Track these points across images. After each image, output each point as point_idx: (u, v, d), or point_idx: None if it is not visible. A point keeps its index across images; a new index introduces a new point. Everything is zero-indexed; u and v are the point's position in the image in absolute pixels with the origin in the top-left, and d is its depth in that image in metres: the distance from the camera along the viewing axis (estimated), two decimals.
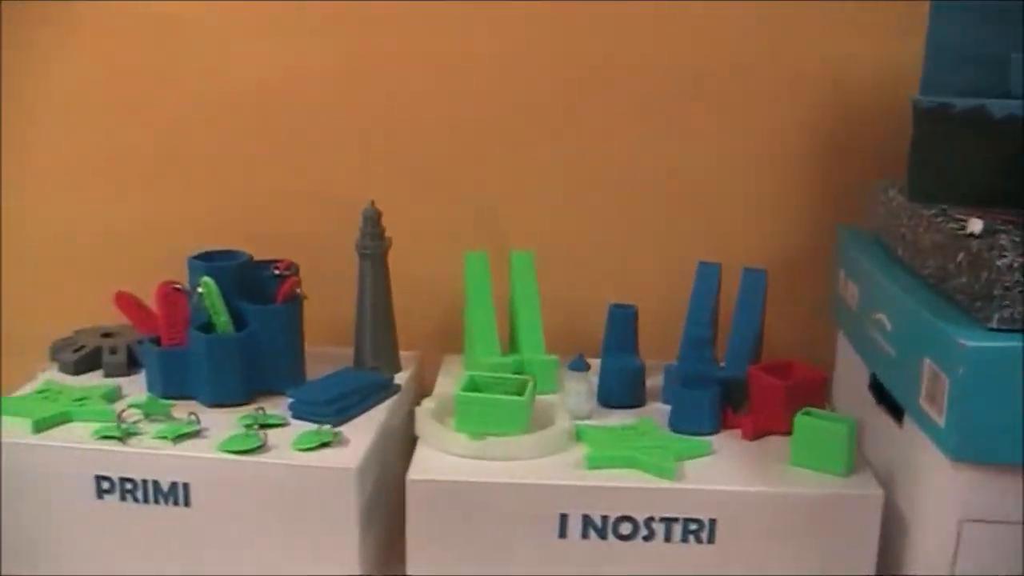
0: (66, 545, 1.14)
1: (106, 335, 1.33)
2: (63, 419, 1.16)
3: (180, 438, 1.13)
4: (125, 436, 1.12)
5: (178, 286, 1.23)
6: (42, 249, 1.46)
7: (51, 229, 1.45)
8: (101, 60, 1.39)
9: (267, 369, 1.22)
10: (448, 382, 1.28)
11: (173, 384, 1.21)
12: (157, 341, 1.23)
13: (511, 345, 1.30)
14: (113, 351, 1.28)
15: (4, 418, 1.17)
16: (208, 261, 1.23)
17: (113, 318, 1.34)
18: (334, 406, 1.16)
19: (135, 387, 1.25)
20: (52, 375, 1.28)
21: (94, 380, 1.27)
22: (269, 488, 1.09)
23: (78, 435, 1.14)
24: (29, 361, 1.38)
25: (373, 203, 1.25)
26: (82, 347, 1.29)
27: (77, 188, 1.44)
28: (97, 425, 1.15)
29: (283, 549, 1.10)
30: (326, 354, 1.29)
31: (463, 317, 1.33)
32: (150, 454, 1.11)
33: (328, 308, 1.28)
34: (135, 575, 1.14)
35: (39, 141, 1.43)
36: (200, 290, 1.20)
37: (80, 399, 1.19)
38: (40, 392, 1.21)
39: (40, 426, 1.14)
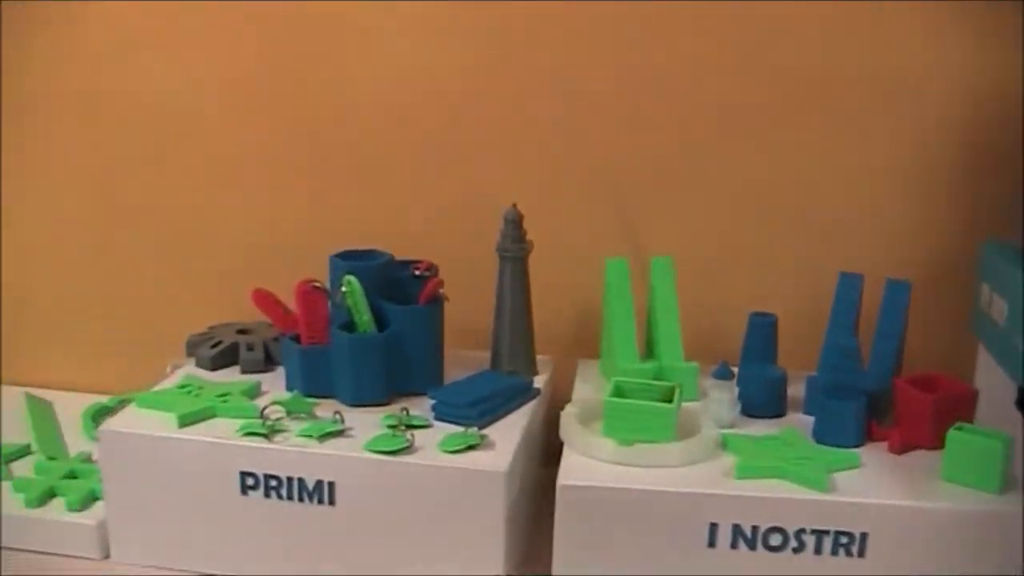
0: (209, 540, 1.15)
1: (241, 331, 1.33)
2: (207, 414, 1.16)
3: (325, 437, 1.12)
4: (270, 433, 1.12)
5: (318, 284, 1.22)
6: (178, 244, 1.47)
7: (188, 225, 1.46)
8: (248, 58, 1.39)
9: (407, 370, 1.22)
10: (586, 388, 1.27)
11: (313, 382, 1.21)
12: (297, 339, 1.22)
13: (648, 351, 1.29)
14: (250, 347, 1.29)
15: (148, 412, 1.17)
16: (348, 260, 1.22)
17: (245, 314, 1.34)
18: (477, 409, 1.16)
19: (271, 384, 1.25)
20: (189, 370, 1.28)
21: (231, 376, 1.26)
22: (415, 489, 1.09)
23: (223, 431, 1.14)
24: (160, 355, 1.39)
25: (515, 206, 1.24)
26: (219, 343, 1.29)
27: (215, 185, 1.45)
28: (241, 421, 1.14)
29: (427, 550, 1.10)
30: (460, 356, 1.29)
31: (600, 322, 1.32)
32: (296, 452, 1.11)
33: (462, 310, 1.27)
34: (278, 573, 1.13)
35: (183, 139, 1.44)
36: (343, 289, 1.19)
37: (223, 395, 1.19)
38: (181, 387, 1.21)
39: (185, 421, 1.15)
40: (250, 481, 1.12)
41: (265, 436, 1.12)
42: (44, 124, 1.46)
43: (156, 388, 1.22)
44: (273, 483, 1.11)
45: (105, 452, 1.15)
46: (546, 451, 1.25)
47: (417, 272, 1.25)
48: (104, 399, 1.44)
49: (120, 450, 1.15)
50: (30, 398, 1.45)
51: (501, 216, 1.25)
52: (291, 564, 1.13)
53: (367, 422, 1.15)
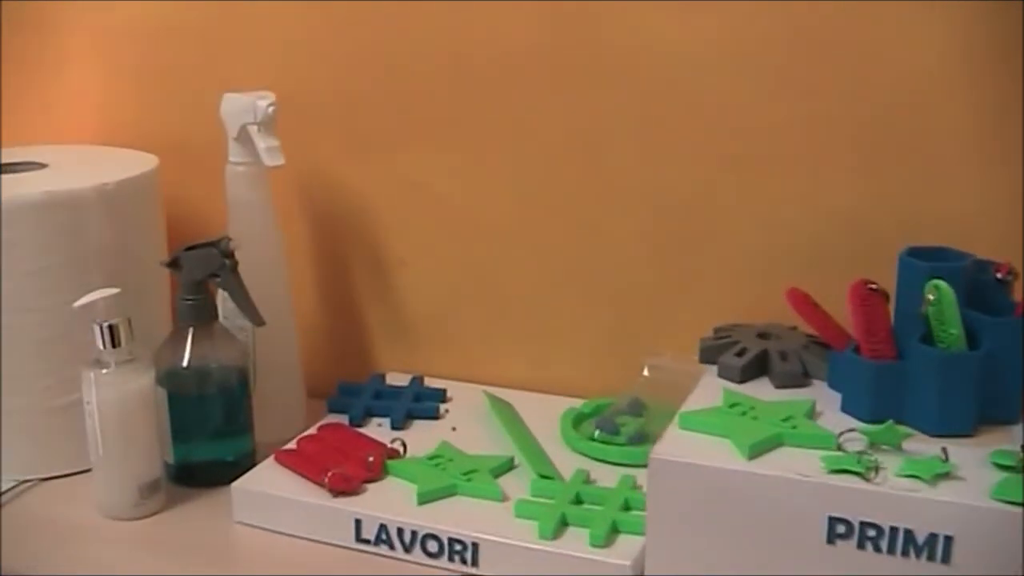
0: None
1: (761, 336, 1.14)
2: (774, 443, 0.98)
3: (936, 478, 0.92)
4: (866, 471, 0.92)
5: (875, 286, 1.03)
6: (674, 230, 1.27)
7: (688, 209, 1.26)
8: (780, 20, 1.18)
9: (995, 395, 1.01)
10: None
11: (883, 405, 1.01)
12: (856, 351, 1.03)
13: None
14: (784, 357, 1.09)
15: (696, 435, 1.01)
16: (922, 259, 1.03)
17: (738, 314, 1.19)
18: None
19: (821, 403, 1.06)
20: (716, 381, 1.10)
21: (771, 392, 1.08)
22: None
23: (801, 464, 0.95)
24: (630, 353, 1.23)
25: None
26: (744, 349, 1.10)
27: (725, 167, 1.24)
28: (821, 454, 0.95)
29: None
30: None
31: None
32: (906, 497, 0.91)
33: None
34: None
35: (695, 109, 1.24)
36: (929, 296, 0.99)
37: (787, 418, 1.00)
38: (731, 406, 1.03)
39: (755, 451, 0.97)
40: (841, 528, 0.93)
41: (861, 475, 0.92)
42: (518, 82, 1.28)
43: (696, 406, 1.04)
44: (871, 532, 0.93)
45: (654, 483, 0.98)
46: None
47: (999, 275, 1.03)
48: (577, 403, 1.27)
49: (673, 481, 0.97)
50: (492, 400, 1.29)
51: None
52: None
53: (967, 458, 0.95)
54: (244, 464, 1.20)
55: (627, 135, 1.25)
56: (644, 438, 1.19)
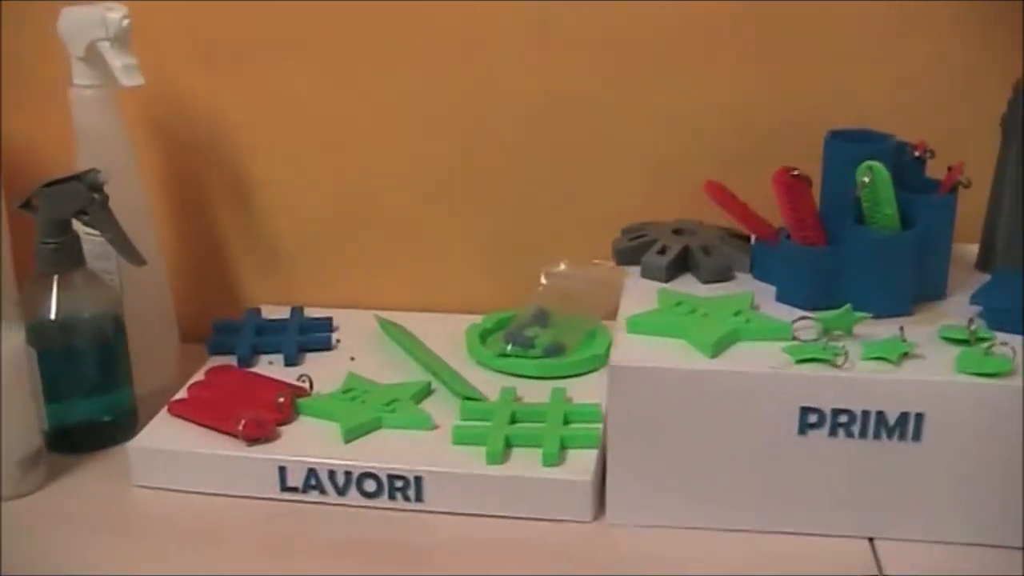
0: (749, 491, 0.96)
1: (676, 232, 1.11)
2: (732, 339, 0.96)
3: (901, 358, 0.92)
4: (835, 358, 0.91)
5: (798, 172, 1.01)
6: (561, 133, 1.22)
7: (573, 112, 1.21)
8: None
9: (925, 273, 1.02)
10: None
11: (822, 292, 1.00)
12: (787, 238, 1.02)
13: None
14: (707, 252, 1.07)
15: (648, 339, 0.97)
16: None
17: (638, 217, 1.15)
18: None
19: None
20: (643, 282, 1.07)
21: (699, 288, 1.06)
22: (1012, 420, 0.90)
23: (766, 358, 0.93)
24: (525, 263, 1.19)
25: None
26: (665, 247, 1.08)
27: (622, 64, 1.19)
28: (784, 345, 0.94)
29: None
30: None
31: None
32: (877, 380, 0.91)
33: None
34: (835, 521, 0.96)
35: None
36: (865, 179, 0.98)
37: (737, 313, 0.98)
38: (676, 305, 1.00)
39: (717, 349, 0.94)
40: (812, 418, 0.92)
41: (829, 362, 0.91)
42: None
43: (635, 310, 1.00)
44: (843, 419, 0.92)
45: (615, 391, 0.94)
46: None
47: (917, 154, 1.04)
48: (474, 320, 1.21)
49: (635, 388, 0.94)
50: (385, 324, 1.21)
51: (1009, 85, 1.04)
52: (847, 508, 0.95)
53: (917, 336, 0.96)
54: (125, 422, 1.08)
55: (513, 36, 1.18)
56: (560, 348, 1.14)
